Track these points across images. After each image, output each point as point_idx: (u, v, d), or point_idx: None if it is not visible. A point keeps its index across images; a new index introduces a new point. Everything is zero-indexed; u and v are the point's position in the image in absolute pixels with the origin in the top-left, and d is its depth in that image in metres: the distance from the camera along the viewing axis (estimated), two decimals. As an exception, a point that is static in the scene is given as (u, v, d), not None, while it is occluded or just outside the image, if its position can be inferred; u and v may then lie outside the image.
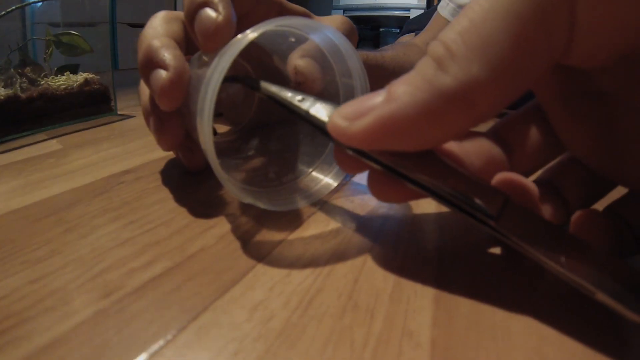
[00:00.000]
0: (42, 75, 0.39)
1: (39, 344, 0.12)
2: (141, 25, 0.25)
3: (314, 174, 0.25)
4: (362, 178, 0.28)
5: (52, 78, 0.38)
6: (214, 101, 0.17)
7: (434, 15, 0.66)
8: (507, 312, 0.15)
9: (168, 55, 0.21)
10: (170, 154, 0.31)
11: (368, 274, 0.16)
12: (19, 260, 0.17)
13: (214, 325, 0.13)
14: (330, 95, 0.25)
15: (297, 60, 0.25)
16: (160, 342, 0.12)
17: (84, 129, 0.39)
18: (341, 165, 0.18)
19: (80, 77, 0.40)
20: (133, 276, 0.15)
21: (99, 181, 0.26)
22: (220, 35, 0.20)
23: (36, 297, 0.14)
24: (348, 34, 0.31)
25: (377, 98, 0.15)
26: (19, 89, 0.34)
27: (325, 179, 0.24)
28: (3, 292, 0.14)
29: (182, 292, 0.14)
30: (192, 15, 0.21)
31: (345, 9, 2.53)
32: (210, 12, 0.20)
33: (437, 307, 0.15)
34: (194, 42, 0.22)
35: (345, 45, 0.22)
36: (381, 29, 2.59)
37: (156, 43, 0.22)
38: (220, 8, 0.20)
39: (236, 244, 0.18)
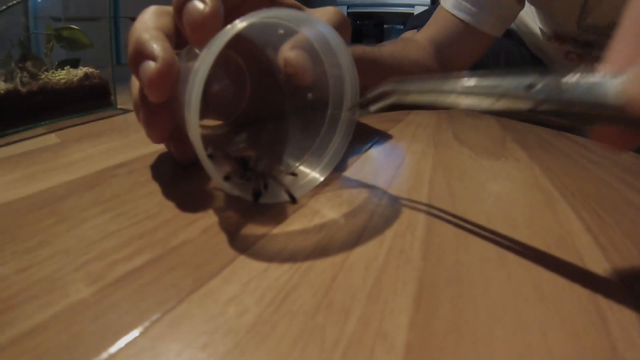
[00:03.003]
0: (43, 69, 0.39)
1: (20, 330, 0.13)
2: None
3: (302, 167, 0.25)
4: (354, 173, 0.28)
5: (52, 72, 0.39)
6: (200, 92, 0.18)
7: (437, 9, 0.65)
8: (492, 316, 0.14)
9: (157, 47, 0.22)
10: (163, 149, 0.32)
11: (347, 272, 0.17)
12: (9, 250, 0.17)
13: (187, 317, 0.13)
14: (320, 87, 0.25)
15: (288, 52, 0.25)
16: (134, 333, 0.13)
17: (83, 123, 0.39)
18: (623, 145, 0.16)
19: (80, 71, 0.41)
20: (115, 267, 0.16)
21: (92, 174, 0.26)
22: (208, 27, 0.20)
23: (22, 285, 0.15)
24: (340, 25, 0.31)
25: None
26: (19, 83, 0.35)
27: (312, 173, 0.24)
28: (-10, 281, 0.15)
29: (159, 284, 0.15)
30: (180, 7, 0.21)
31: (349, 5, 2.52)
32: (197, 4, 0.21)
33: (416, 308, 0.15)
34: (184, 36, 0.22)
35: (334, 39, 0.22)
36: (385, 26, 2.59)
37: (145, 36, 0.22)
38: (208, 0, 0.21)
39: (218, 238, 0.19)
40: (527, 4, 0.69)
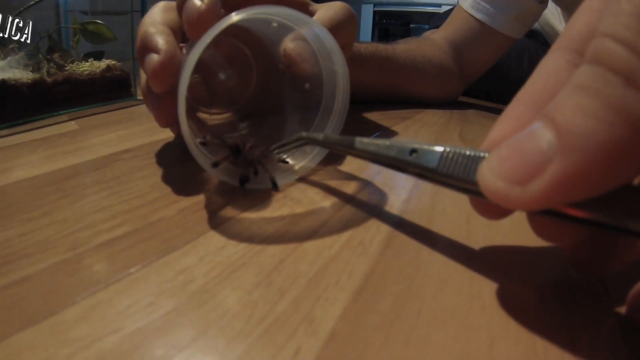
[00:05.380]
0: (69, 61, 0.43)
1: (12, 279, 0.16)
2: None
3: (292, 157, 0.27)
4: (345, 165, 0.30)
5: (77, 64, 0.43)
6: (187, 80, 0.20)
7: (455, 9, 0.64)
8: (435, 318, 0.15)
9: (160, 40, 0.24)
10: (169, 138, 0.35)
11: (297, 257, 0.18)
12: (16, 218, 0.20)
13: (143, 280, 0.16)
14: (316, 78, 0.27)
15: (288, 43, 0.27)
16: (99, 287, 0.15)
17: (103, 112, 0.43)
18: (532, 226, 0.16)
19: (103, 63, 0.45)
20: (98, 236, 0.19)
21: (99, 158, 0.30)
22: (203, 23, 0.22)
23: (20, 246, 0.18)
24: (346, 21, 0.32)
25: (541, 144, 0.12)
26: (45, 73, 0.39)
27: (300, 163, 0.27)
28: (-4, 241, 0.18)
29: (131, 252, 0.18)
30: (181, 4, 0.24)
31: (376, 3, 2.52)
32: (195, 2, 0.23)
33: (354, 300, 0.15)
34: None
35: (326, 37, 0.24)
36: (412, 25, 2.57)
37: (152, 29, 0.25)
38: None
39: (192, 217, 0.21)
40: (553, 5, 0.67)
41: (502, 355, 0.13)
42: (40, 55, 0.40)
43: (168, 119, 0.27)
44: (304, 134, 0.23)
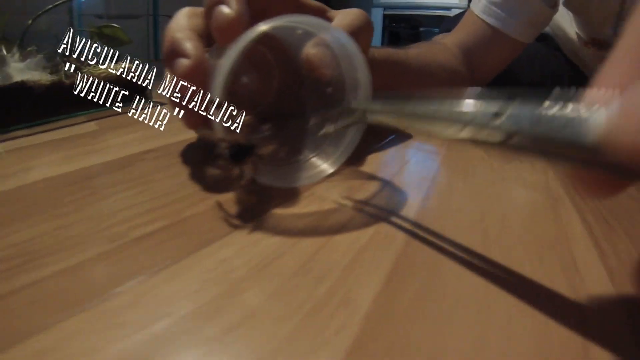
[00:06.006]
0: (83, 64, 0.43)
1: (46, 273, 0.16)
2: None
3: (315, 159, 0.27)
4: (365, 166, 0.30)
5: (94, 67, 0.43)
6: (221, 86, 0.21)
7: (466, 13, 0.64)
8: (457, 301, 0.16)
9: (189, 45, 0.25)
10: (190, 139, 0.35)
11: (329, 249, 0.19)
12: (49, 213, 0.20)
13: (187, 269, 0.16)
14: (338, 82, 0.27)
15: (310, 49, 0.28)
16: (144, 275, 0.15)
17: (120, 114, 0.43)
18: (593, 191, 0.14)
19: (120, 66, 0.45)
20: (135, 230, 0.19)
21: (123, 158, 0.30)
22: (233, 30, 0.23)
23: (59, 239, 0.18)
24: (363, 27, 0.33)
25: None
26: (63, 75, 0.39)
27: (323, 164, 0.27)
28: (32, 235, 0.18)
29: (169, 244, 0.18)
30: (209, 11, 0.24)
31: (386, 7, 2.54)
32: (224, 9, 0.23)
33: (386, 285, 0.16)
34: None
35: (348, 42, 0.24)
36: (421, 29, 2.59)
37: (179, 35, 0.25)
38: (234, 5, 0.23)
39: (224, 213, 0.21)
40: (563, 9, 0.68)
41: (519, 329, 0.14)
42: (58, 58, 0.40)
43: (196, 121, 0.28)
44: (358, 102, 0.22)
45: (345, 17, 0.32)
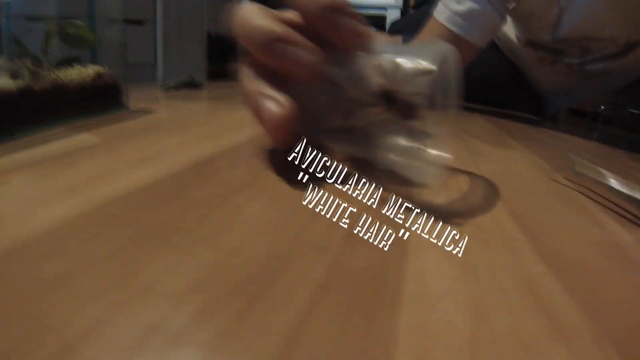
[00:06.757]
0: (45, 67, 0.35)
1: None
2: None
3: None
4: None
5: (63, 71, 0.35)
6: None
7: (430, 20, 0.68)
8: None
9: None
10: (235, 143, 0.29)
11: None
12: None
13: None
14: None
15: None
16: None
17: (98, 123, 0.35)
18: None
19: (92, 70, 0.37)
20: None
21: (189, 164, 0.23)
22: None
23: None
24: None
25: None
26: (30, 80, 0.31)
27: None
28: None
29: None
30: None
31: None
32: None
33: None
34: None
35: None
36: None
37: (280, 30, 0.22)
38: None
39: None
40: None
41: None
42: (17, 61, 0.31)
43: (290, 139, 0.24)
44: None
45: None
